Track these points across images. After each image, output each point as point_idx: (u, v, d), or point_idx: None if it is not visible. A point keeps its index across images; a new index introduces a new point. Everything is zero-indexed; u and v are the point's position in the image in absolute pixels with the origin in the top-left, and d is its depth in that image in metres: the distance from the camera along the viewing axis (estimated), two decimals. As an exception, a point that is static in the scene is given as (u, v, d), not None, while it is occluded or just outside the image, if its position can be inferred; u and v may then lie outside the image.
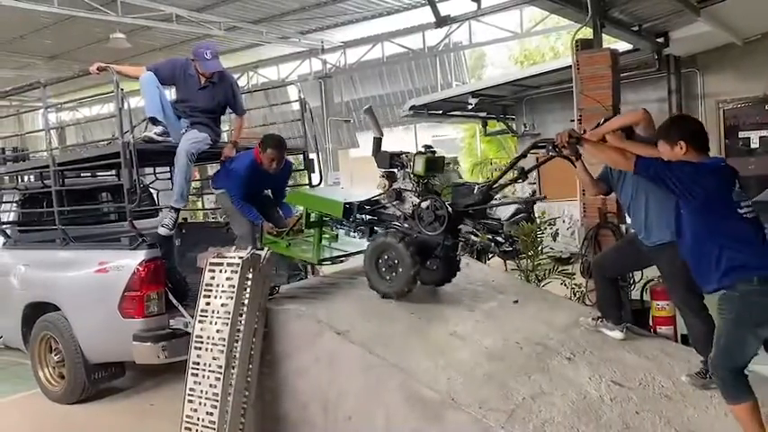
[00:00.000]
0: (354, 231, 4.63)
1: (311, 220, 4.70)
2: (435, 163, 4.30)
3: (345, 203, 4.48)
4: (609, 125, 3.83)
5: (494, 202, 4.62)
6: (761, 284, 2.91)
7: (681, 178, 3.00)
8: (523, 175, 4.27)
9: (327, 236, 4.80)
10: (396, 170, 4.40)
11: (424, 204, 4.19)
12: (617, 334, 4.12)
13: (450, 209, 4.13)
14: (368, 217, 4.56)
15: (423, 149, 4.32)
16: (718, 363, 3.08)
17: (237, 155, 5.30)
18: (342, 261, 4.91)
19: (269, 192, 5.46)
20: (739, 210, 3.01)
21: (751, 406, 3.01)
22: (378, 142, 4.53)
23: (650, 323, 4.60)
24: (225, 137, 5.73)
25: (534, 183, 10.79)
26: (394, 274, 4.20)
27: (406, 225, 4.32)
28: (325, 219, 4.73)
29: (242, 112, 5.53)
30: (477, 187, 4.28)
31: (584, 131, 3.75)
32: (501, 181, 4.42)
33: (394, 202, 4.38)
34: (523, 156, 4.31)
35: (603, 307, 4.24)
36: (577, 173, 3.96)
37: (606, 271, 4.25)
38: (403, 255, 4.10)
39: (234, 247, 4.21)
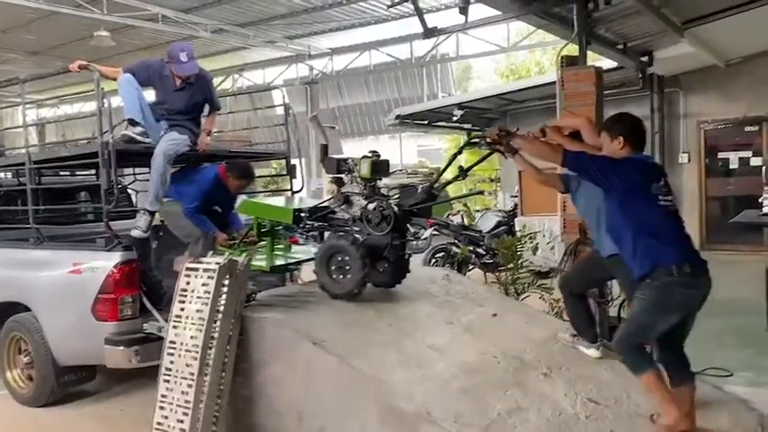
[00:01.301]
0: (306, 237, 4.79)
1: (264, 229, 4.81)
2: (380, 166, 4.46)
3: (295, 210, 4.60)
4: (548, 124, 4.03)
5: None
6: (680, 275, 3.12)
7: (603, 170, 3.24)
8: (463, 173, 4.47)
9: (281, 245, 4.93)
10: (344, 175, 4.57)
11: (370, 206, 4.32)
12: (593, 352, 4.13)
13: (396, 209, 4.26)
14: (318, 223, 4.68)
15: (368, 154, 4.47)
16: (625, 340, 3.29)
17: (201, 168, 5.32)
18: (296, 269, 5.05)
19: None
20: (658, 202, 3.24)
21: (656, 374, 3.25)
22: (324, 149, 4.71)
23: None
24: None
25: (516, 196, 10.83)
26: (344, 275, 4.28)
27: (355, 228, 4.43)
28: (277, 228, 4.82)
29: (218, 108, 5.48)
30: (420, 187, 4.40)
31: (517, 129, 3.87)
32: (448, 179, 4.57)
33: (342, 206, 4.51)
34: (459, 152, 4.45)
35: (577, 325, 4.25)
36: (518, 164, 4.07)
37: (573, 286, 4.25)
38: (353, 256, 4.18)
39: (211, 252, 4.16)
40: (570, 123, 4.08)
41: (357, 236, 4.34)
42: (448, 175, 4.67)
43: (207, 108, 5.35)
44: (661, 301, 3.17)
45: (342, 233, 4.46)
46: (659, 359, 3.42)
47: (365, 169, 4.38)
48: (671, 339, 3.39)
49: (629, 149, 3.37)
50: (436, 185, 4.46)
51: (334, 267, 4.32)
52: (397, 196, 4.58)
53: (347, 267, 4.24)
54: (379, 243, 4.31)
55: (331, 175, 4.71)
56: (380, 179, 4.57)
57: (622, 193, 3.23)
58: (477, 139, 3.99)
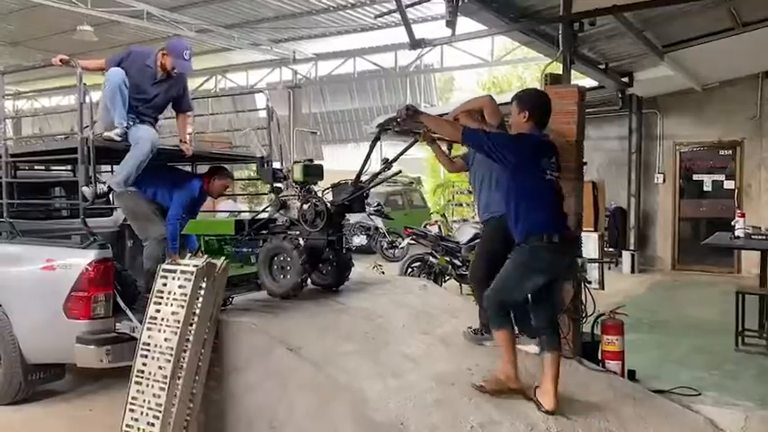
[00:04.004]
0: (249, 246, 4.95)
1: (212, 246, 4.99)
2: (312, 169, 4.76)
3: (236, 220, 4.87)
4: (456, 109, 4.33)
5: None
6: (549, 242, 3.46)
7: (497, 145, 3.54)
8: (388, 165, 4.77)
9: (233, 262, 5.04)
10: (281, 183, 4.90)
11: (305, 205, 4.57)
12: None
13: (328, 205, 4.51)
14: (261, 232, 4.85)
15: (300, 160, 4.83)
16: (493, 295, 3.60)
17: (183, 177, 5.38)
18: (249, 280, 5.13)
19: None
20: (545, 176, 3.54)
21: (509, 334, 3.63)
22: (262, 160, 5.19)
23: (599, 357, 4.66)
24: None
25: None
26: (284, 275, 4.43)
27: (296, 232, 4.62)
28: (225, 244, 4.99)
29: (189, 108, 5.39)
30: (350, 182, 4.66)
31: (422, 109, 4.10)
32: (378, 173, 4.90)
33: (281, 211, 4.78)
34: (377, 139, 4.68)
35: (485, 319, 4.24)
36: (435, 154, 4.42)
37: (482, 276, 4.21)
38: (293, 257, 4.35)
39: (189, 254, 4.13)
40: (476, 105, 4.37)
41: (297, 238, 4.54)
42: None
43: (174, 106, 5.28)
44: (528, 263, 3.51)
45: (284, 235, 4.63)
46: (531, 328, 3.82)
47: (298, 173, 4.67)
48: (541, 307, 3.72)
49: (532, 124, 3.64)
50: (362, 179, 4.64)
51: (275, 267, 4.49)
52: (329, 193, 4.77)
53: (287, 267, 4.41)
54: (317, 242, 4.55)
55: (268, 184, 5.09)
56: (315, 182, 4.82)
57: (514, 166, 3.52)
58: (390, 124, 4.24)
